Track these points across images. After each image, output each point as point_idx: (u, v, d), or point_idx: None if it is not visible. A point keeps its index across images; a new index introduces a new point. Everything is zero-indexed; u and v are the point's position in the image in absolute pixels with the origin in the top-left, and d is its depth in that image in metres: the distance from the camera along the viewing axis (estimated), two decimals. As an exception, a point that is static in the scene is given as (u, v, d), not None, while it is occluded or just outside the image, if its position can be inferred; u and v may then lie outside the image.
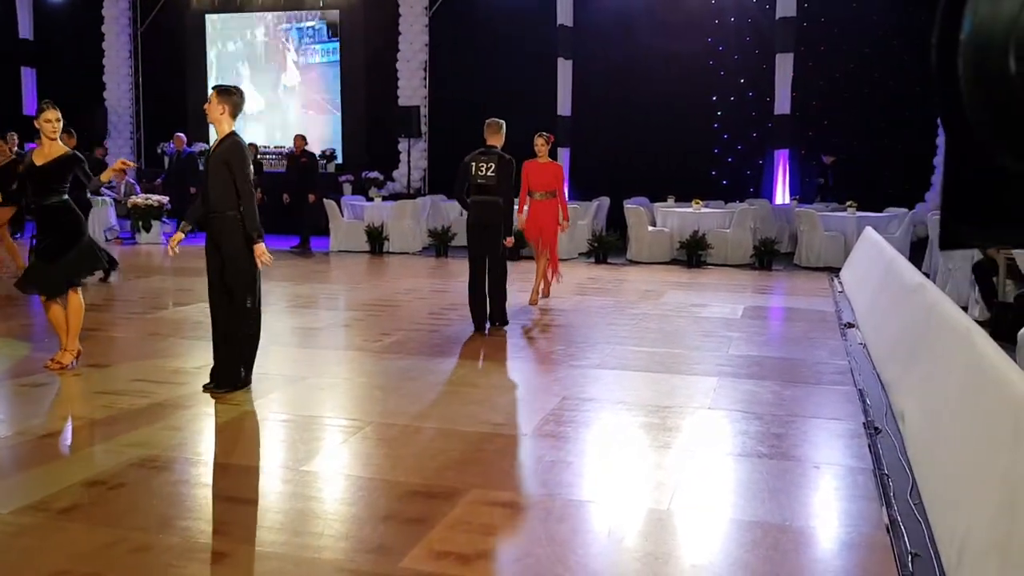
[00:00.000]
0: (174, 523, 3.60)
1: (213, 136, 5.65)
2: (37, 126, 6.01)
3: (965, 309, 7.23)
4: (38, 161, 6.01)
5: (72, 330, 6.12)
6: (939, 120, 0.92)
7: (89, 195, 8.66)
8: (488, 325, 7.64)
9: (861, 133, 14.70)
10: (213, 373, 5.61)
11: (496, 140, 7.62)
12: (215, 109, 5.44)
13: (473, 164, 7.52)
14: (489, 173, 7.46)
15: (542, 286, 9.32)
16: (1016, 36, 0.78)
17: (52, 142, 6.00)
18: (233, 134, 5.50)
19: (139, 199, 14.97)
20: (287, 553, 3.32)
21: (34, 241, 6.54)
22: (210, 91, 5.57)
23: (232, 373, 5.54)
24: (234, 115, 5.49)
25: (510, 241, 7.70)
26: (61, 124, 6.04)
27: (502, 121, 7.70)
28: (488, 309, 7.65)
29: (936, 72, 0.89)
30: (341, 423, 5.00)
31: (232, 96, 5.49)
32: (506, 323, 7.74)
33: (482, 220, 7.52)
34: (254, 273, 5.50)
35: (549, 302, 9.24)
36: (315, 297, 9.69)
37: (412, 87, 16.68)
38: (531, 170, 9.16)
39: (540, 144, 9.15)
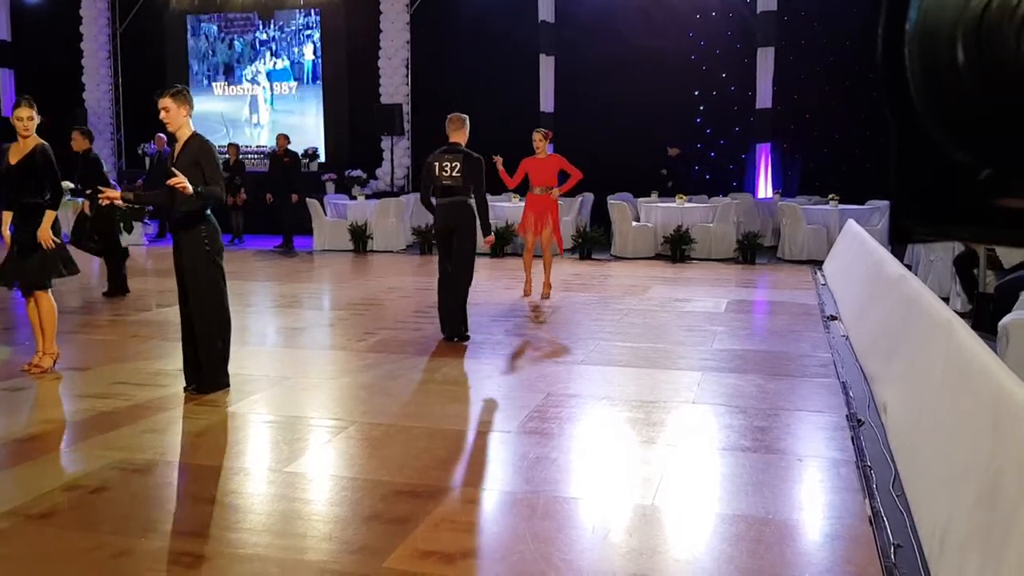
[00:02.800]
0: (155, 527, 3.57)
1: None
2: (12, 124, 5.92)
3: (946, 300, 7.28)
4: (12, 160, 5.92)
5: (47, 333, 6.03)
6: (886, 113, 0.92)
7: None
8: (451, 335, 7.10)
9: (843, 126, 14.76)
10: (189, 375, 5.55)
11: (459, 136, 7.10)
12: (179, 113, 5.33)
13: (436, 164, 7.00)
14: (455, 173, 6.94)
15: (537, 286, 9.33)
16: (964, 25, 0.77)
17: (25, 139, 5.91)
18: (198, 135, 5.44)
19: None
20: (270, 555, 3.30)
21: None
22: (161, 98, 5.31)
23: (217, 375, 5.51)
24: (190, 114, 5.44)
25: (490, 240, 7.51)
26: (35, 121, 5.91)
27: (465, 116, 7.20)
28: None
29: (882, 64, 0.89)
30: (325, 423, 4.97)
31: (187, 95, 5.42)
32: (467, 337, 7.09)
33: (449, 224, 7.01)
34: (219, 274, 5.44)
35: (533, 299, 9.23)
36: (298, 296, 9.65)
37: (394, 85, 16.62)
38: (532, 166, 9.12)
39: (538, 139, 9.09)
